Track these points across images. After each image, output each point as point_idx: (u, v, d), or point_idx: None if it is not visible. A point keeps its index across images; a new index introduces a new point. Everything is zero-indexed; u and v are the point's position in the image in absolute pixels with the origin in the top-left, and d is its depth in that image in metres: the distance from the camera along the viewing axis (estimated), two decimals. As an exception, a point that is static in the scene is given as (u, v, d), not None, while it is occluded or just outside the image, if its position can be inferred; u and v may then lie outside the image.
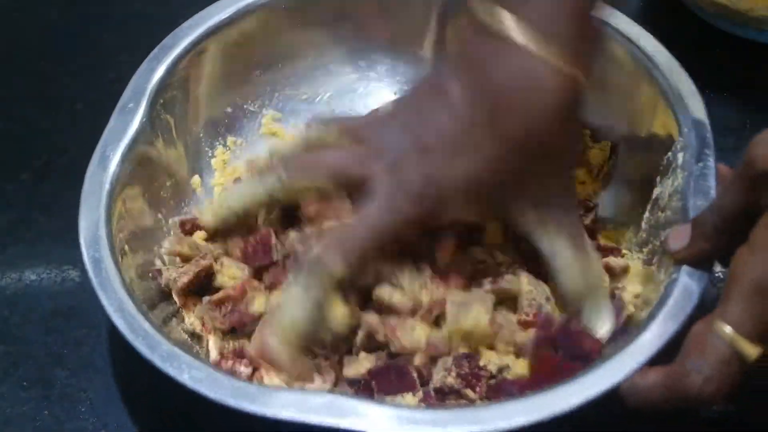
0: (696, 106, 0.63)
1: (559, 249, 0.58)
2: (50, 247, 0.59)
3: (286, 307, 0.56)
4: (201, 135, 0.71)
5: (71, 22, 0.88)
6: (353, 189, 0.58)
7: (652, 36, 0.66)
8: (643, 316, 0.56)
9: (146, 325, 0.54)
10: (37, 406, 0.63)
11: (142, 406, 0.62)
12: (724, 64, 0.78)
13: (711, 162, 0.59)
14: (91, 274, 0.56)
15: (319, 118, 0.64)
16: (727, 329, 0.48)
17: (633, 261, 0.63)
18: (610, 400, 0.51)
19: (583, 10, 0.56)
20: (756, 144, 0.50)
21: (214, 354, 0.60)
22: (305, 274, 0.56)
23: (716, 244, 0.54)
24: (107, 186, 0.60)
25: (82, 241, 0.58)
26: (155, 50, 0.67)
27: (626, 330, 0.57)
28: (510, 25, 0.54)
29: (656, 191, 0.63)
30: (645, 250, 0.62)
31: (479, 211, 0.59)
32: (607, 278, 0.61)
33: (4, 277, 0.70)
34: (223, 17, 0.70)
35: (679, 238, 0.55)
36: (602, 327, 0.58)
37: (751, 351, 0.48)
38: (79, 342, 0.64)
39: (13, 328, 0.67)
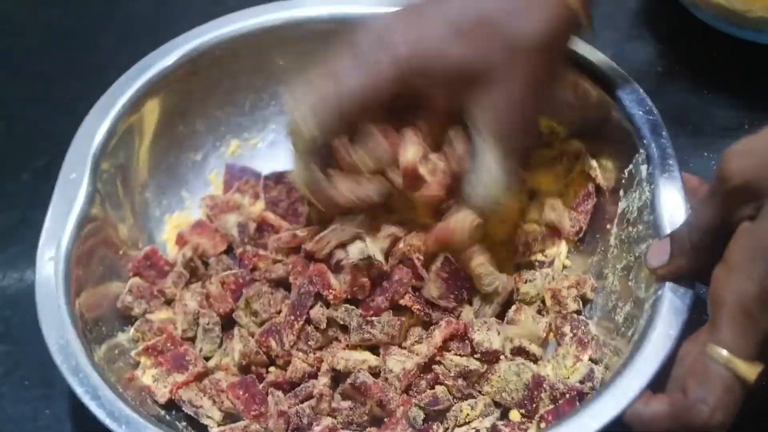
0: (652, 117, 0.62)
1: (486, 156, 0.59)
2: (51, 247, 0.60)
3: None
4: (147, 195, 0.70)
5: (71, 22, 0.88)
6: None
7: (600, 52, 0.66)
8: (630, 335, 0.57)
9: (127, 411, 0.54)
10: (38, 406, 0.64)
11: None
12: (722, 64, 0.79)
13: (676, 172, 0.59)
14: (58, 362, 0.56)
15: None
16: (723, 353, 0.48)
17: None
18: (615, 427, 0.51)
19: None
20: (726, 159, 0.50)
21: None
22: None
23: (695, 260, 0.54)
24: (62, 265, 0.59)
25: (44, 330, 0.57)
26: (92, 111, 0.66)
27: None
28: None
29: (621, 205, 0.63)
30: (619, 266, 0.62)
31: (448, 95, 0.59)
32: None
33: (5, 277, 0.70)
34: (158, 69, 0.68)
35: (657, 254, 0.55)
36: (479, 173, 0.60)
37: (750, 372, 0.48)
38: (80, 341, 0.64)
39: (14, 328, 0.67)
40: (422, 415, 0.58)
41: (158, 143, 0.70)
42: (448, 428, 0.58)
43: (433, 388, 0.60)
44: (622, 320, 0.59)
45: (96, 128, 0.65)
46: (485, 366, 0.60)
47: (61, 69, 0.84)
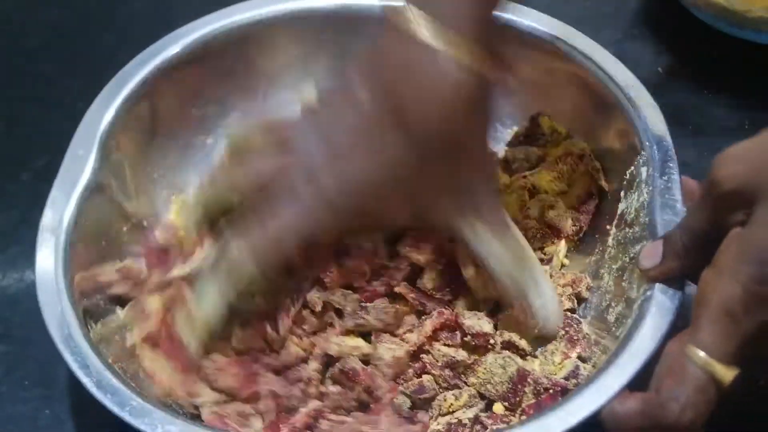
0: (655, 119, 0.62)
1: (485, 239, 0.59)
2: (51, 247, 0.60)
3: (200, 302, 0.58)
4: (155, 175, 0.70)
5: (71, 22, 0.88)
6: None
7: (606, 51, 0.66)
8: (618, 334, 0.57)
9: (115, 382, 0.54)
10: (38, 406, 0.63)
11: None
12: (722, 64, 0.79)
13: (675, 175, 0.59)
14: (53, 334, 0.55)
15: (245, 124, 0.65)
16: (701, 354, 0.48)
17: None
18: (592, 425, 0.51)
19: (487, 6, 0.57)
20: (718, 163, 0.50)
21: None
22: (220, 272, 0.58)
23: (687, 263, 0.54)
24: (62, 238, 0.59)
25: (41, 299, 0.57)
26: (104, 91, 0.66)
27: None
28: (415, 22, 0.55)
29: (621, 206, 0.63)
30: (615, 266, 0.62)
31: (401, 213, 0.59)
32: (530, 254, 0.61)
33: (5, 277, 0.70)
34: (172, 52, 0.68)
35: (650, 255, 0.56)
36: (542, 300, 0.60)
37: (726, 374, 0.48)
38: (80, 341, 0.64)
39: (14, 328, 0.67)
40: (408, 403, 0.59)
41: (170, 124, 0.70)
42: (432, 417, 0.59)
43: (420, 376, 0.60)
44: (613, 320, 0.59)
45: (106, 107, 0.65)
46: (472, 357, 0.60)
47: (61, 69, 0.84)
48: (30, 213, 0.72)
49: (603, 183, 0.66)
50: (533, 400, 0.58)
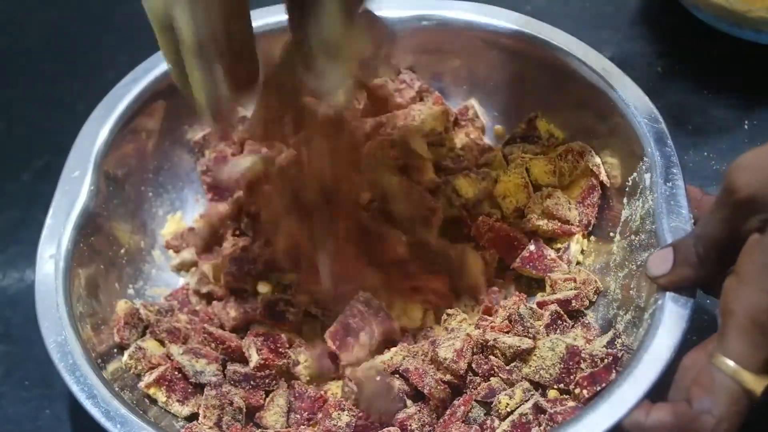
0: (657, 125, 0.62)
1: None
2: (51, 247, 0.60)
3: None
4: (150, 194, 0.70)
5: (71, 22, 0.88)
6: None
7: (608, 60, 0.66)
8: (631, 343, 0.56)
9: (123, 410, 0.54)
10: (38, 406, 0.64)
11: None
12: (721, 64, 0.79)
13: (680, 181, 0.59)
14: (55, 360, 0.56)
15: None
16: (730, 363, 0.48)
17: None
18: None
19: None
20: (733, 171, 0.50)
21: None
22: None
23: (702, 271, 0.54)
24: (62, 263, 0.59)
25: (42, 327, 0.57)
26: (96, 110, 0.66)
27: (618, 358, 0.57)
28: None
29: (625, 213, 0.63)
30: (621, 274, 0.62)
31: None
32: None
33: (5, 276, 0.70)
34: (167, 68, 0.64)
35: (660, 262, 0.55)
36: None
37: (758, 384, 0.48)
38: (80, 341, 0.64)
39: (14, 328, 0.67)
40: (482, 414, 0.58)
41: (162, 142, 0.70)
42: (494, 421, 0.57)
43: (487, 380, 0.59)
44: (622, 328, 0.59)
45: (100, 127, 0.65)
46: (534, 343, 0.59)
47: (61, 69, 0.84)
48: (30, 213, 0.73)
49: (604, 178, 0.66)
50: (587, 373, 0.56)
